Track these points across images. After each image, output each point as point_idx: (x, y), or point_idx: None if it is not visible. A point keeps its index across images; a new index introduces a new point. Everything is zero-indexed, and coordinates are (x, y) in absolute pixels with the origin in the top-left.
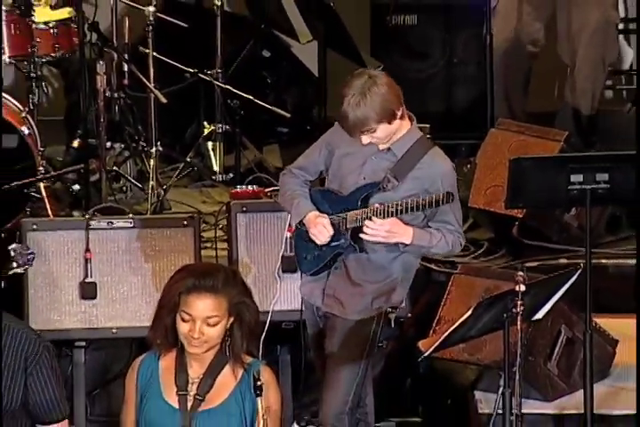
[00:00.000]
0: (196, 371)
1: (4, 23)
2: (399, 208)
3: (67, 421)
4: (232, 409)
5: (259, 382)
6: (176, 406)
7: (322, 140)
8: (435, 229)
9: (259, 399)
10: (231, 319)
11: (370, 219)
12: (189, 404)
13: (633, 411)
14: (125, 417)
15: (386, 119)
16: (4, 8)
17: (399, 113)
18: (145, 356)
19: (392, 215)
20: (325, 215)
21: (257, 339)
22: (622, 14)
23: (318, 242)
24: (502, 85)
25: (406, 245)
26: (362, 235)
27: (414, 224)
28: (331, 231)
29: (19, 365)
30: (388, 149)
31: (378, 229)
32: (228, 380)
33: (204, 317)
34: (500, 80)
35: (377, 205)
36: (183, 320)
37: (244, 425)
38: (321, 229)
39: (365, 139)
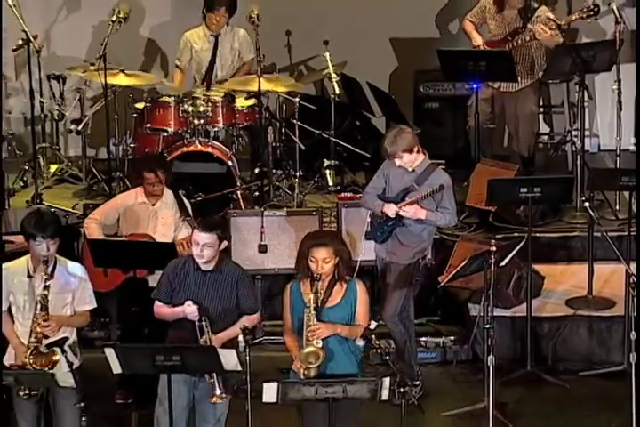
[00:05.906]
0: (322, 287)
1: (220, 105)
2: (418, 198)
3: (258, 313)
4: (342, 307)
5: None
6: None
7: (380, 171)
8: (440, 211)
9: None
10: (337, 259)
11: (405, 206)
12: (319, 304)
13: (553, 314)
14: (286, 315)
15: (408, 151)
16: (220, 98)
17: (416, 148)
18: (293, 282)
19: (415, 203)
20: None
21: (352, 269)
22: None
23: (390, 212)
24: (484, 141)
25: (422, 219)
26: (402, 213)
27: (428, 208)
28: (395, 207)
29: (233, 283)
30: (413, 170)
31: (409, 211)
32: (339, 290)
33: (322, 259)
34: (483, 139)
35: (407, 199)
36: (312, 262)
37: (350, 315)
38: (390, 207)
39: (397, 162)
